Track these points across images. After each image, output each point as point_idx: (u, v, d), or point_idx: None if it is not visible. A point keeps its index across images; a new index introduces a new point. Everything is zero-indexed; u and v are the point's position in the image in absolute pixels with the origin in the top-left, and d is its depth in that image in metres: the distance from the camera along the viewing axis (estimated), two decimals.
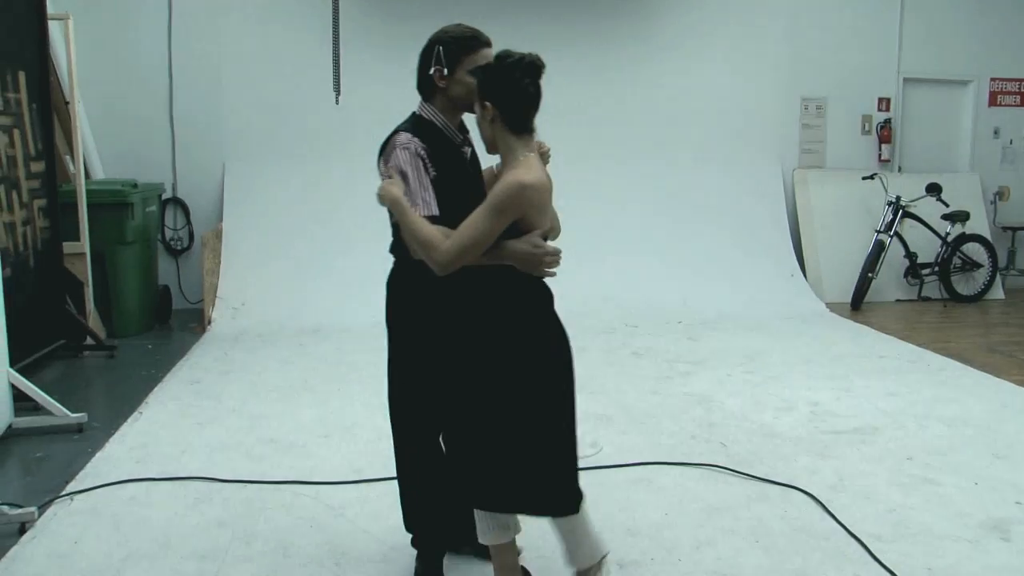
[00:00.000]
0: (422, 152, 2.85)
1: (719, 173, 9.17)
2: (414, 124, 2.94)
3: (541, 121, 2.83)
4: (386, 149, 2.90)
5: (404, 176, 2.80)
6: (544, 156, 2.91)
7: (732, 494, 4.03)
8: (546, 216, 2.78)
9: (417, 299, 2.95)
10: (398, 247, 2.97)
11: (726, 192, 9.12)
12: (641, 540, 3.55)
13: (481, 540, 2.92)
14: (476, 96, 2.78)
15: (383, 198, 2.77)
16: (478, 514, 2.87)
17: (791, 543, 3.53)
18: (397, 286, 3.03)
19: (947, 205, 8.97)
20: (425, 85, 2.98)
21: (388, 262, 3.03)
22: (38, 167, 6.26)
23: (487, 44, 2.95)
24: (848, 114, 9.55)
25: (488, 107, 2.74)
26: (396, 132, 2.91)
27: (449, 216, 2.74)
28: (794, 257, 9.00)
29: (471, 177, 3.02)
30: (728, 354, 6.61)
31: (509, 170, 2.73)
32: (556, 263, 2.78)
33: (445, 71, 2.91)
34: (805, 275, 8.90)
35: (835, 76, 9.46)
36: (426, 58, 2.95)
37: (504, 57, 2.76)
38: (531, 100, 2.75)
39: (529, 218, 2.69)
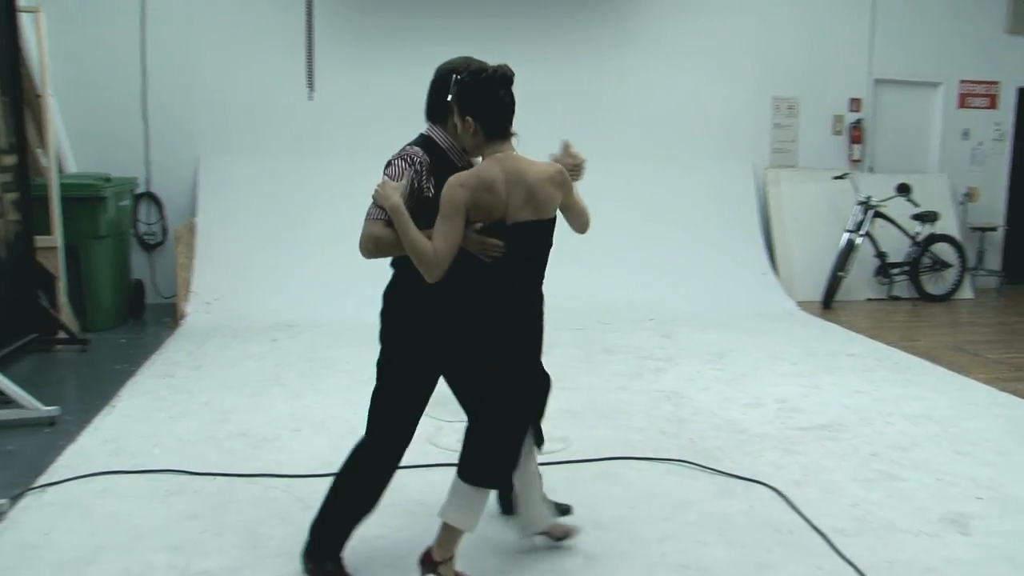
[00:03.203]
0: (422, 167, 3.01)
1: (690, 172, 9.24)
2: (425, 142, 3.09)
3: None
4: (389, 162, 3.04)
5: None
6: (576, 169, 3.33)
7: (698, 489, 4.10)
8: (503, 205, 2.94)
9: (424, 309, 3.06)
10: (401, 260, 3.05)
11: (697, 191, 9.20)
12: (607, 533, 3.61)
13: (450, 517, 3.08)
14: (454, 111, 2.96)
15: (380, 198, 2.90)
16: (463, 491, 3.06)
17: (755, 537, 3.60)
18: (399, 298, 3.13)
19: (917, 205, 9.09)
20: (438, 110, 3.10)
21: (360, 258, 3.07)
22: (9, 160, 6.23)
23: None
24: (820, 114, 9.65)
25: (469, 121, 2.94)
26: (406, 146, 3.07)
27: None
28: (765, 256, 9.10)
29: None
30: (698, 351, 6.68)
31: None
32: (494, 250, 2.97)
33: None
34: (776, 274, 9.00)
35: (807, 76, 9.56)
36: (442, 85, 3.06)
37: (479, 71, 2.94)
38: (508, 109, 2.98)
39: (482, 209, 2.91)
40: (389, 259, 3.12)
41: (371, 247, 2.95)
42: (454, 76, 2.98)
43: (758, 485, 4.12)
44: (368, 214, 2.95)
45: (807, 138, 9.64)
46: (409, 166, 2.99)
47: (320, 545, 3.23)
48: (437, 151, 3.07)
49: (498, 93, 2.93)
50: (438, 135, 3.11)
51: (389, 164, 3.02)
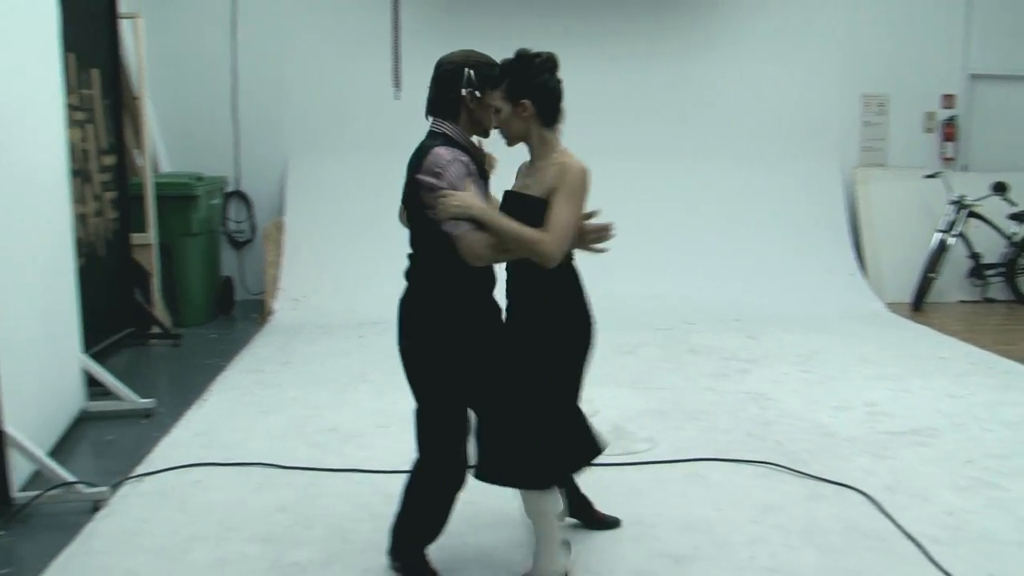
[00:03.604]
0: (472, 167, 2.95)
1: (777, 171, 9.10)
2: (446, 142, 2.97)
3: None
4: (426, 164, 2.88)
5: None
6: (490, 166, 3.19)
7: (786, 492, 4.03)
8: None
9: (451, 316, 2.99)
10: (422, 273, 3.02)
11: (784, 190, 9.05)
12: (695, 535, 3.57)
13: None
14: (502, 97, 2.96)
15: (461, 209, 2.80)
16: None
17: (845, 542, 3.53)
18: (424, 309, 3.02)
19: (1014, 204, 8.79)
20: (449, 105, 3.00)
21: None
22: (109, 161, 6.44)
23: None
24: (911, 111, 9.39)
25: (525, 104, 2.94)
26: (431, 148, 2.91)
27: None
28: (853, 256, 8.90)
29: (486, 191, 3.11)
30: (785, 353, 6.58)
31: (557, 159, 2.97)
32: (608, 235, 3.11)
33: (477, 93, 2.98)
34: (865, 274, 8.80)
35: (898, 72, 9.31)
36: (452, 79, 2.98)
37: (533, 56, 2.97)
38: (560, 94, 3.03)
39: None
40: (405, 272, 3.07)
41: (486, 253, 2.86)
42: (467, 71, 2.95)
43: (848, 490, 4.04)
44: (455, 228, 2.83)
45: (897, 136, 9.40)
46: (464, 167, 2.91)
47: (402, 548, 3.24)
48: (459, 147, 2.99)
49: (555, 76, 3.00)
50: (451, 130, 3.00)
51: (438, 168, 2.85)
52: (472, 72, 2.96)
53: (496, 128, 3.06)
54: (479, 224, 2.82)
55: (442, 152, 2.88)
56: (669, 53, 8.95)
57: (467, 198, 2.83)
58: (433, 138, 2.99)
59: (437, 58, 3.05)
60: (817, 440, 4.73)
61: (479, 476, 3.07)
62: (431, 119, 3.06)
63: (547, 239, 2.83)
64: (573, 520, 3.59)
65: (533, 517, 3.07)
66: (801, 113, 9.20)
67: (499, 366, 3.02)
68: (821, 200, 9.10)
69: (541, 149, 3.03)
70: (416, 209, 2.95)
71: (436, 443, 3.09)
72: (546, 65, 2.99)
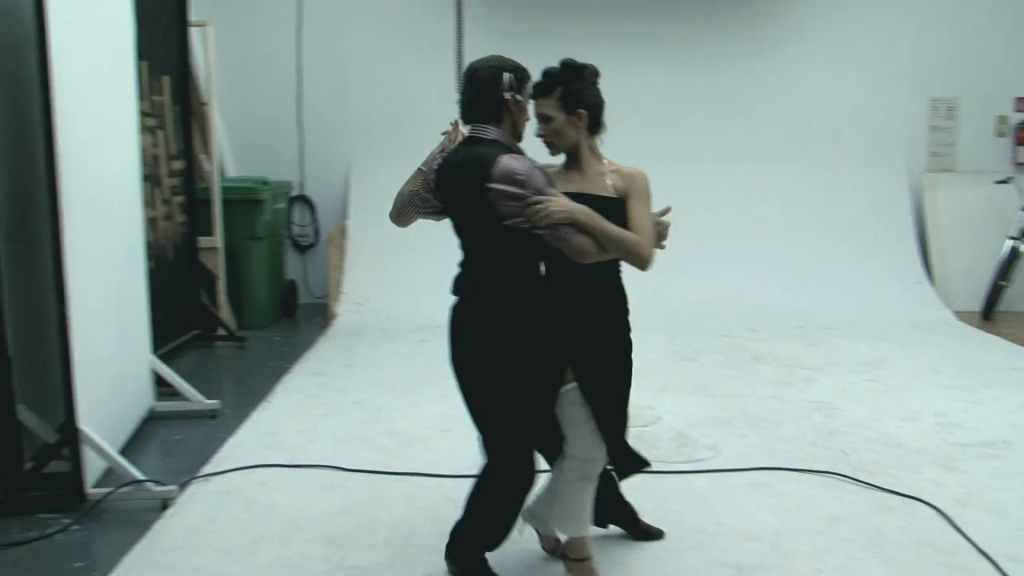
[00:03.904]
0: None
1: (842, 176, 8.96)
2: (503, 149, 2.94)
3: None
4: (499, 173, 2.83)
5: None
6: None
7: (853, 503, 3.96)
8: None
9: (525, 322, 2.99)
10: (488, 282, 2.99)
11: (849, 195, 8.90)
12: (760, 545, 3.53)
13: (577, 532, 3.17)
14: (557, 107, 3.01)
15: (566, 214, 2.79)
16: (574, 508, 3.13)
17: (915, 556, 3.46)
18: (498, 318, 2.98)
19: None
20: (492, 110, 2.98)
21: None
22: (178, 165, 6.58)
23: None
24: (981, 115, 9.17)
25: (582, 114, 3.02)
26: (496, 156, 2.86)
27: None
28: (920, 263, 8.72)
29: None
30: (850, 361, 6.47)
31: (611, 166, 3.10)
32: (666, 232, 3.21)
33: (518, 96, 3.00)
34: (932, 282, 8.62)
35: (968, 75, 9.10)
36: (493, 83, 2.96)
37: (583, 66, 3.05)
38: (603, 104, 3.11)
39: None
40: (453, 287, 3.08)
41: (593, 252, 2.87)
42: (506, 75, 2.95)
43: (917, 502, 3.95)
44: (561, 233, 2.81)
45: (967, 140, 9.19)
46: (544, 174, 2.89)
47: (464, 553, 3.22)
48: (519, 153, 3.00)
49: (599, 89, 3.11)
50: (499, 135, 2.99)
51: (519, 176, 2.81)
52: (511, 76, 2.98)
53: (542, 136, 3.08)
54: (579, 228, 2.84)
55: (515, 161, 2.86)
56: (733, 58, 8.86)
57: (566, 203, 2.83)
58: (488, 145, 2.95)
59: None
60: (884, 451, 4.64)
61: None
62: (470, 125, 3.05)
63: (644, 242, 2.91)
64: (618, 529, 3.59)
65: (579, 484, 3.10)
66: (868, 117, 9.04)
67: (569, 366, 3.06)
68: (887, 206, 8.94)
69: (591, 157, 3.09)
70: (484, 219, 2.91)
71: (505, 447, 3.09)
72: (595, 76, 3.09)
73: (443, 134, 3.25)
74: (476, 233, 3.02)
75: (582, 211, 2.82)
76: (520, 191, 2.81)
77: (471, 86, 3.00)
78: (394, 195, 3.31)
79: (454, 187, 3.00)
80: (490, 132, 2.99)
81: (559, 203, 2.81)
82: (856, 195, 8.90)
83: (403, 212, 3.23)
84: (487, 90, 2.97)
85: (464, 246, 3.08)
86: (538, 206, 2.79)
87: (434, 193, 3.10)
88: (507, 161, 2.85)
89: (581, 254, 2.86)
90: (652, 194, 3.03)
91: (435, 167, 3.09)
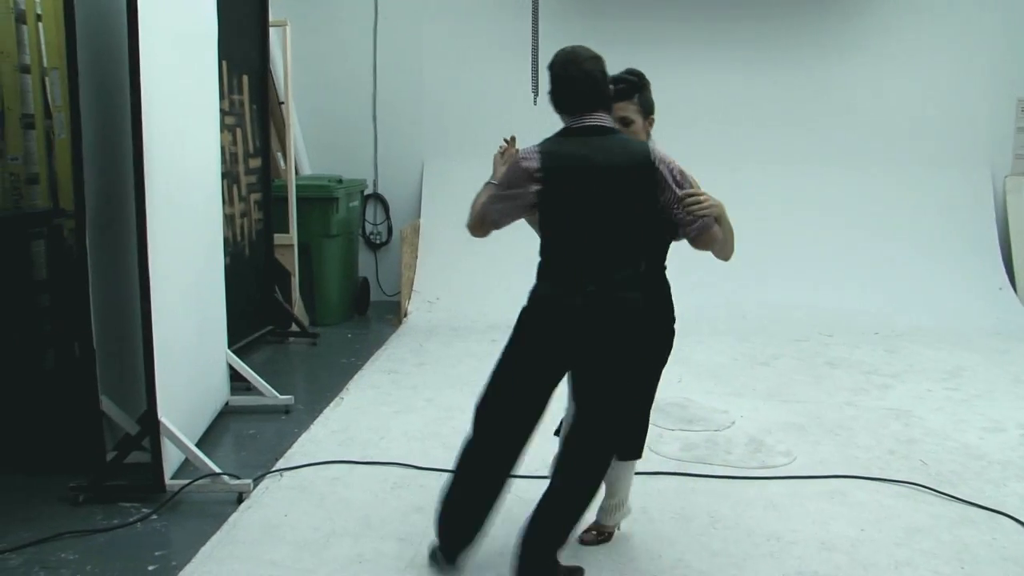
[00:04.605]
0: None
1: (921, 179, 8.73)
2: (624, 136, 3.07)
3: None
4: (668, 162, 2.97)
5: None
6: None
7: (934, 515, 3.86)
8: None
9: (651, 314, 3.13)
10: (607, 272, 2.98)
11: (928, 198, 8.67)
12: (836, 555, 3.46)
13: (614, 520, 3.52)
14: (637, 111, 3.19)
15: (719, 208, 2.97)
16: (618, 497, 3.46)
17: (1000, 572, 3.36)
18: (633, 309, 3.01)
19: None
20: (606, 99, 3.04)
21: None
22: (256, 163, 6.68)
23: None
24: None
25: (652, 120, 3.26)
26: (647, 144, 3.04)
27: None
28: (1003, 269, 8.46)
29: None
30: (928, 368, 6.31)
31: None
32: None
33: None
34: (1015, 289, 8.36)
35: None
36: (605, 74, 3.03)
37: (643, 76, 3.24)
38: None
39: None
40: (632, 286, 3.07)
41: (720, 241, 3.01)
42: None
43: (1001, 516, 3.83)
44: (707, 224, 2.94)
45: None
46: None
47: (547, 555, 3.19)
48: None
49: None
50: (613, 124, 3.05)
51: (676, 166, 2.97)
52: None
53: None
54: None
55: (663, 151, 2.98)
56: (812, 58, 8.69)
57: (711, 196, 2.97)
58: (614, 134, 3.01)
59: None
60: (965, 461, 4.51)
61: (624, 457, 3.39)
62: (587, 114, 2.99)
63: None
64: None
65: (622, 480, 3.45)
66: (949, 119, 8.79)
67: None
68: (969, 210, 8.69)
69: None
70: (636, 203, 2.96)
71: (612, 446, 3.19)
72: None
73: (502, 150, 3.26)
74: (617, 219, 2.96)
75: (721, 204, 2.98)
76: (677, 179, 2.95)
77: (584, 74, 2.97)
78: (466, 193, 3.32)
79: (596, 174, 2.93)
80: (607, 120, 3.01)
81: (709, 195, 2.95)
82: (937, 198, 8.66)
83: (485, 221, 3.17)
84: (603, 79, 3.00)
85: (589, 236, 2.98)
86: (700, 197, 2.91)
87: (541, 187, 2.98)
88: (660, 150, 2.99)
89: (711, 242, 2.99)
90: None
91: (537, 161, 2.97)
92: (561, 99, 3.02)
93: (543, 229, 3.05)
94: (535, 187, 2.96)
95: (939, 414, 5.29)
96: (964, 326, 7.59)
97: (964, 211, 8.66)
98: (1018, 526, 3.74)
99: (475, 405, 3.18)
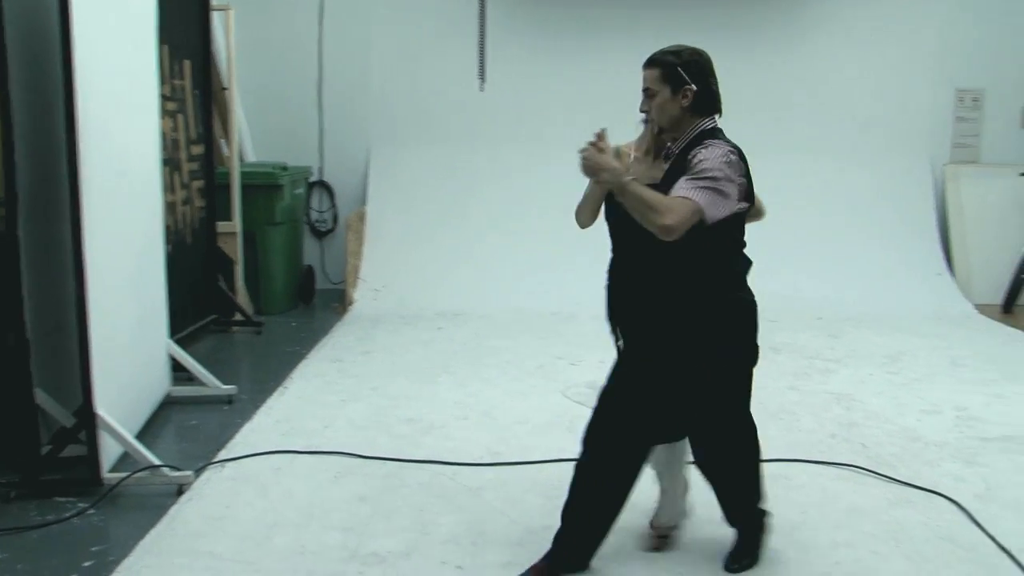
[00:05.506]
0: None
1: (862, 167, 8.85)
2: None
3: None
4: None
5: None
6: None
7: (873, 496, 3.93)
8: None
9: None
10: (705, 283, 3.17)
11: (869, 187, 8.80)
12: (778, 538, 3.48)
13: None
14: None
15: (587, 165, 3.01)
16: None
17: (935, 551, 3.42)
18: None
19: None
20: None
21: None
22: (198, 150, 6.57)
23: None
24: (1007, 106, 9.05)
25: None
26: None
27: None
28: (942, 256, 8.63)
29: None
30: (870, 353, 6.41)
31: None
32: None
33: None
34: (953, 274, 8.54)
35: (994, 66, 8.97)
36: None
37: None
38: None
39: None
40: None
41: None
42: None
43: (937, 497, 3.91)
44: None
45: (992, 132, 9.06)
46: None
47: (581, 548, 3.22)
48: None
49: None
50: None
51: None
52: None
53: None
54: None
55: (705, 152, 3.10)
56: (756, 48, 8.75)
57: (597, 154, 3.02)
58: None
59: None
60: (904, 444, 4.60)
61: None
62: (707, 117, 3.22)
63: None
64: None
65: (673, 472, 3.47)
66: (891, 108, 8.94)
67: None
68: (909, 197, 8.85)
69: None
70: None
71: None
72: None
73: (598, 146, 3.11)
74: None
75: (606, 167, 3.01)
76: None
77: (707, 75, 3.21)
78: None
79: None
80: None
81: (594, 153, 3.01)
82: (878, 186, 8.80)
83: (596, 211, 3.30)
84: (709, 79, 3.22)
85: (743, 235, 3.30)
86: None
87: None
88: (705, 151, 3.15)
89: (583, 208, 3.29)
90: None
91: (737, 156, 3.14)
92: (715, 100, 3.24)
93: (725, 229, 3.14)
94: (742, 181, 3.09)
95: (880, 398, 5.38)
96: (904, 311, 7.73)
97: (905, 199, 8.82)
98: (952, 505, 3.82)
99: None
